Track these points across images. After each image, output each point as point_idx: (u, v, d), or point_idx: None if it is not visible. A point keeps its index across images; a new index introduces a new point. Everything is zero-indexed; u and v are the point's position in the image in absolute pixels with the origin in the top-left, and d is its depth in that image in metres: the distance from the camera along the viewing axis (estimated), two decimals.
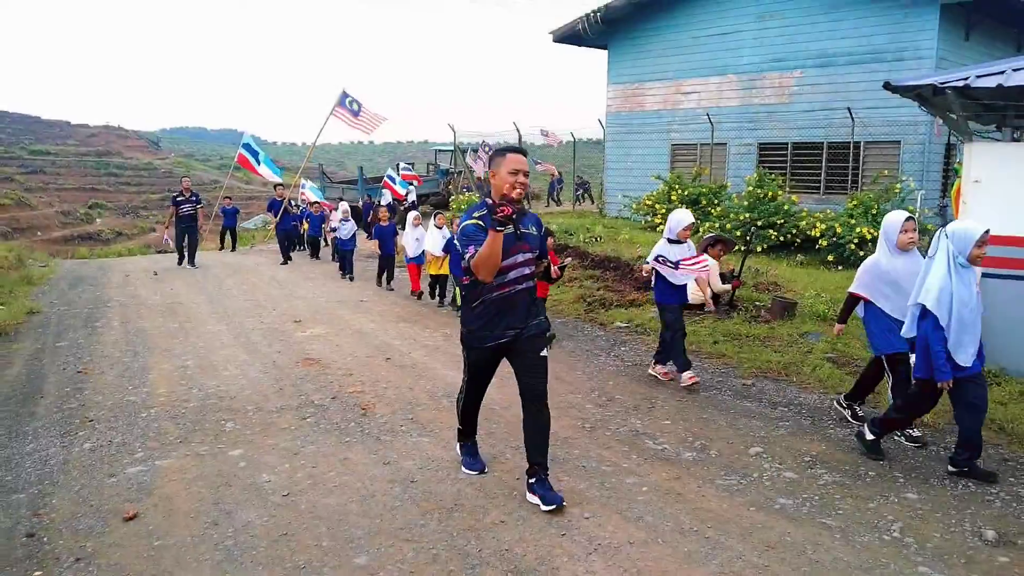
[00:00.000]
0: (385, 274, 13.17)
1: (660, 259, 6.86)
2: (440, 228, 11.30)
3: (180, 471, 4.89)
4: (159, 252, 23.84)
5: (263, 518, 4.19)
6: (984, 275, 6.62)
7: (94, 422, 5.91)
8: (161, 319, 10.08)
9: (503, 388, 6.77)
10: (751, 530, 3.97)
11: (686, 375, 6.66)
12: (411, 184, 22.42)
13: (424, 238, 11.65)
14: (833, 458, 5.05)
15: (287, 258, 16.94)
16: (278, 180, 21.01)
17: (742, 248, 11.13)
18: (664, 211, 17.02)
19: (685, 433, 5.56)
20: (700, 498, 4.40)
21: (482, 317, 4.34)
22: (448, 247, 10.81)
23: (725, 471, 4.83)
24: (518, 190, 4.16)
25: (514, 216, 3.92)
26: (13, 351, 8.28)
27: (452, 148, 27.71)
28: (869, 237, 13.04)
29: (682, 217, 7.00)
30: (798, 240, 14.48)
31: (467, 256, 4.19)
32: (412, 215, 12.54)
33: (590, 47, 21.65)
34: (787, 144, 18.01)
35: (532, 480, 4.39)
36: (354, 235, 14.73)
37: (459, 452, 4.99)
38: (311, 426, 5.76)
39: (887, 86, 6.83)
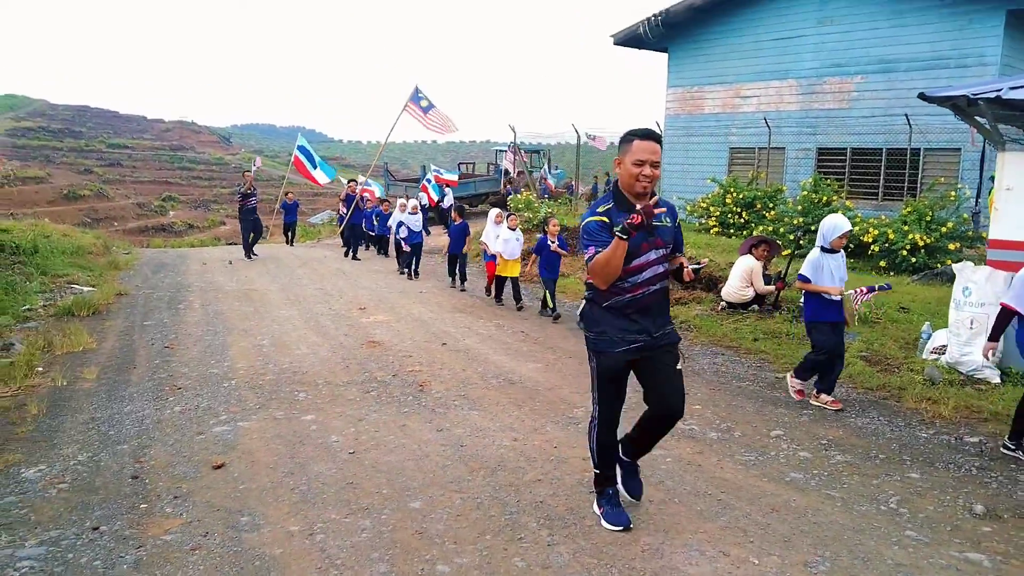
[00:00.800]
0: (457, 273, 12.97)
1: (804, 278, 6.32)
2: (513, 230, 11.23)
3: (260, 431, 5.56)
4: (231, 244, 24.96)
5: (332, 470, 4.82)
6: None
7: (182, 389, 6.64)
8: (237, 303, 10.91)
9: (547, 372, 7.37)
10: (760, 496, 4.44)
11: (827, 397, 6.30)
12: (446, 188, 22.38)
13: (500, 237, 11.43)
14: (848, 442, 5.47)
15: (353, 253, 17.36)
16: (328, 181, 21.41)
17: (793, 251, 11.32)
18: (718, 213, 17.32)
19: (713, 417, 6.03)
20: (718, 469, 4.88)
21: (612, 320, 3.87)
22: (539, 248, 10.66)
23: (745, 449, 5.30)
24: (644, 183, 3.71)
25: (645, 223, 3.57)
26: (106, 327, 9.13)
27: (515, 147, 28.29)
28: (921, 244, 13.17)
29: (837, 223, 6.22)
30: (851, 245, 14.62)
31: (587, 257, 3.79)
32: (493, 212, 12.29)
33: (650, 50, 21.94)
34: (846, 149, 18.11)
35: (626, 459, 4.27)
36: (421, 233, 14.56)
37: (596, 506, 4.18)
38: (374, 398, 6.41)
39: (922, 96, 7.15)
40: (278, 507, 4.29)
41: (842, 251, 6.35)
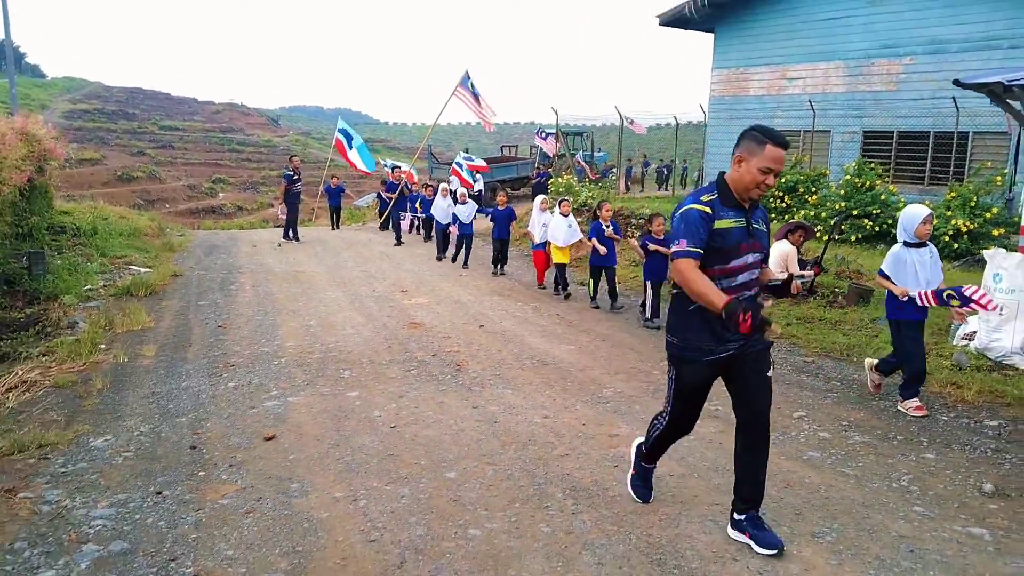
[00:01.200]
0: (499, 259, 12.99)
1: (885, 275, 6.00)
2: (566, 216, 10.91)
3: (308, 406, 5.93)
4: (278, 226, 25.53)
5: (374, 442, 5.17)
6: None
7: (235, 367, 7.04)
8: (286, 284, 11.35)
9: (580, 353, 7.63)
10: (776, 472, 4.67)
11: (912, 403, 5.88)
12: (476, 174, 22.51)
13: (550, 224, 11.19)
14: (868, 424, 5.66)
15: (397, 238, 17.50)
16: (366, 171, 21.74)
17: (831, 236, 11.21)
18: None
19: None
20: None
21: (699, 325, 3.58)
22: (595, 233, 10.13)
23: None
24: (762, 191, 3.48)
25: (756, 323, 3.24)
26: (163, 307, 9.61)
27: (555, 131, 28.45)
28: (964, 230, 13.09)
29: (916, 210, 5.85)
30: (894, 230, 14.52)
31: (675, 247, 3.49)
32: (539, 200, 11.93)
33: (696, 31, 21.83)
34: (893, 132, 17.91)
35: (741, 518, 3.78)
36: (471, 224, 14.07)
37: (630, 477, 4.30)
38: (414, 377, 6.75)
39: (957, 83, 7.20)
40: (324, 475, 4.64)
41: (931, 247, 5.93)
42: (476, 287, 11.65)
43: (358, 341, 8.00)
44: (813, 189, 16.67)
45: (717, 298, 3.32)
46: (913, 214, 5.85)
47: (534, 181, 26.00)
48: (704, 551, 3.73)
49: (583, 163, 26.99)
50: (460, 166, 21.24)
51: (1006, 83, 6.89)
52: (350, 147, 21.34)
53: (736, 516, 3.81)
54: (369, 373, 6.84)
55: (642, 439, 4.20)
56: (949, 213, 13.42)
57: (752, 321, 3.20)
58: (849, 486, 4.49)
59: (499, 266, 13.09)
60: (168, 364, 7.12)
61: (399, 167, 20.69)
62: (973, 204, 13.43)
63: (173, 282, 11.37)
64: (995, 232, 12.89)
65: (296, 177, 17.01)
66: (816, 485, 4.50)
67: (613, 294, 10.17)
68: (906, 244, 5.91)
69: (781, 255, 9.94)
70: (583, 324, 9.11)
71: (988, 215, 13.14)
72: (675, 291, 3.69)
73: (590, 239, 10.23)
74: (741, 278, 3.56)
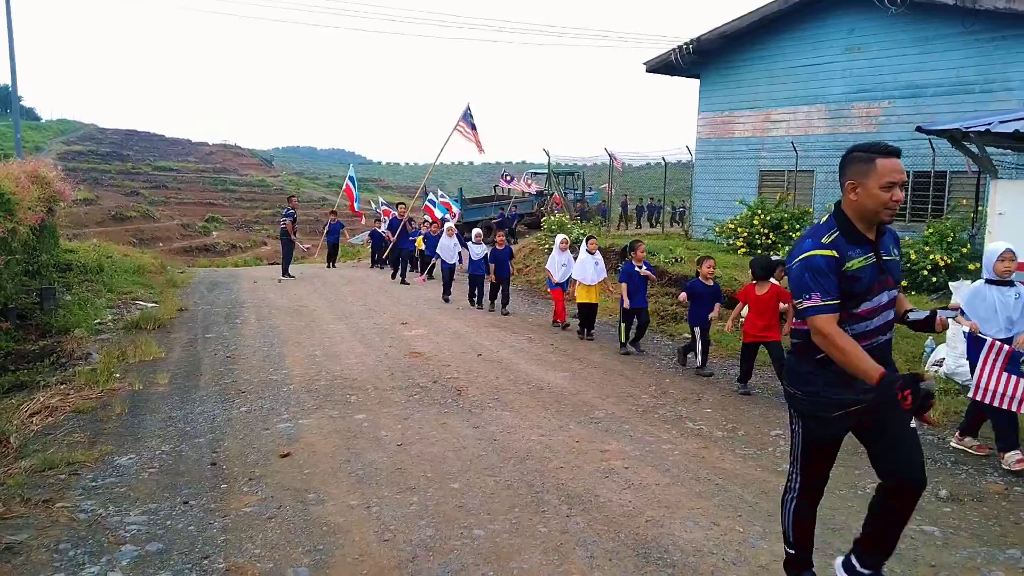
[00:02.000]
0: (500, 297, 13.05)
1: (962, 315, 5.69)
2: (592, 254, 10.66)
3: (318, 427, 6.33)
4: (273, 264, 25.97)
5: (383, 459, 5.57)
6: None
7: (246, 393, 7.44)
8: (290, 318, 11.78)
9: (574, 380, 8.07)
10: (752, 482, 5.11)
11: (1013, 456, 5.39)
12: (447, 212, 23.17)
13: (571, 264, 11.14)
14: None
15: (403, 277, 17.56)
16: (360, 212, 22.64)
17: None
18: (745, 234, 17.88)
19: (721, 419, 6.68)
20: (719, 461, 5.54)
21: (827, 375, 3.15)
22: (626, 275, 9.71)
23: (745, 444, 5.97)
24: (891, 211, 3.02)
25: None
26: (172, 340, 10.00)
27: (547, 171, 29.16)
28: (942, 264, 13.63)
29: (993, 248, 5.65)
30: None
31: (806, 303, 3.05)
32: (559, 239, 11.79)
33: (682, 76, 22.58)
34: None
35: (864, 571, 3.42)
36: (485, 257, 13.55)
37: None
38: (417, 401, 7.17)
39: (919, 129, 7.76)
40: (339, 487, 5.04)
41: (1019, 288, 5.55)
42: (473, 319, 12.10)
43: (362, 369, 8.41)
44: (797, 226, 17.25)
45: (871, 368, 2.90)
46: (991, 250, 5.69)
47: (495, 220, 26.59)
48: (685, 546, 4.15)
49: (561, 201, 27.74)
50: (433, 203, 21.91)
51: (963, 129, 7.46)
52: (356, 194, 22.14)
53: (856, 565, 3.44)
54: (374, 398, 7.25)
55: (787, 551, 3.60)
56: (927, 248, 13.97)
57: (913, 400, 2.75)
58: None
59: (502, 304, 13.02)
60: (182, 391, 7.51)
61: (403, 204, 21.09)
62: (950, 239, 13.98)
63: (180, 316, 11.78)
64: (971, 267, 13.41)
65: (295, 216, 17.62)
66: None
67: (639, 336, 9.86)
68: (988, 281, 5.69)
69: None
70: (576, 353, 9.55)
71: (964, 250, 13.68)
72: (795, 340, 3.32)
73: (620, 282, 9.83)
74: (876, 321, 3.14)
